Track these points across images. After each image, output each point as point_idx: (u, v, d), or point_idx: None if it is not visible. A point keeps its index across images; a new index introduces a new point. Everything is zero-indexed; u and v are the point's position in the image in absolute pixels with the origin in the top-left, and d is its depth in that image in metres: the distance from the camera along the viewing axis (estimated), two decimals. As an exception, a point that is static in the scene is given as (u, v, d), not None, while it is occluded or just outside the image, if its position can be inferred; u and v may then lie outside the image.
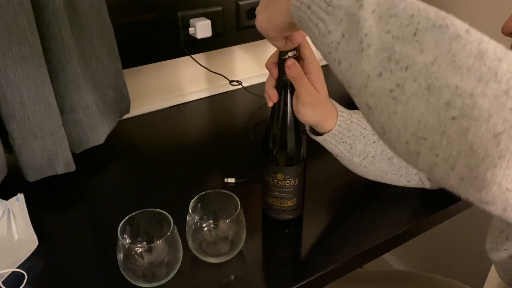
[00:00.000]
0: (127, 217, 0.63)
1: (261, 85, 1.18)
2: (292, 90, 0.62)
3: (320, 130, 0.68)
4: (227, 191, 0.66)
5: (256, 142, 0.96)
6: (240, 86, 1.15)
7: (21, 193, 0.73)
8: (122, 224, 0.62)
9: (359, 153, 0.70)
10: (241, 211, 0.64)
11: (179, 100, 1.11)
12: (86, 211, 0.79)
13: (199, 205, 0.67)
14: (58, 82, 0.78)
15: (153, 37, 0.96)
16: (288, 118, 0.64)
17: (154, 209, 0.64)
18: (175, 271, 0.63)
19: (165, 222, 0.63)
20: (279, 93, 0.63)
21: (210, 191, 0.67)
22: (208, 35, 0.98)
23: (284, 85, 0.62)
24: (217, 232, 0.66)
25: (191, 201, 0.65)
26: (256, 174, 0.85)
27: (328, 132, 0.67)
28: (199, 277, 0.66)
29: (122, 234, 0.61)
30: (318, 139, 0.69)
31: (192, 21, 0.96)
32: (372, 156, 0.71)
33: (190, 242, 0.66)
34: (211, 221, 0.68)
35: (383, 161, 0.72)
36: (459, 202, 0.79)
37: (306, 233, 0.74)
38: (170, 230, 0.60)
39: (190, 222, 0.65)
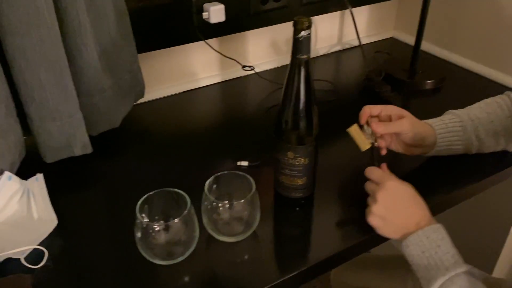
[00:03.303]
0: (145, 196, 0.64)
1: (274, 70, 1.20)
2: (307, 68, 0.64)
3: (426, 148, 0.80)
4: (241, 172, 0.68)
5: (268, 127, 0.96)
6: (252, 72, 1.15)
7: (40, 173, 0.75)
8: (141, 203, 0.63)
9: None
10: (256, 192, 0.65)
11: (191, 86, 1.12)
12: (103, 192, 0.81)
13: (214, 185, 0.68)
14: (75, 65, 0.79)
15: (166, 21, 0.97)
16: (301, 98, 0.65)
17: (171, 189, 0.65)
18: (191, 250, 0.65)
19: (182, 201, 0.64)
20: (292, 72, 0.64)
21: (225, 172, 0.68)
22: (222, 20, 0.98)
23: (298, 64, 0.63)
24: (231, 212, 0.67)
25: (207, 182, 0.67)
26: (269, 156, 0.86)
27: (436, 145, 0.79)
28: (214, 256, 0.67)
29: (140, 213, 0.62)
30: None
31: (206, 5, 0.97)
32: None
33: (205, 221, 0.67)
34: (226, 201, 0.69)
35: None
36: (466, 187, 0.81)
37: (317, 213, 0.75)
38: (187, 209, 0.62)
39: (205, 202, 0.66)
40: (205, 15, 0.97)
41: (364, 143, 0.74)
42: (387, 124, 0.75)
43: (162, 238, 0.63)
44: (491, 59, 1.13)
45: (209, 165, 0.86)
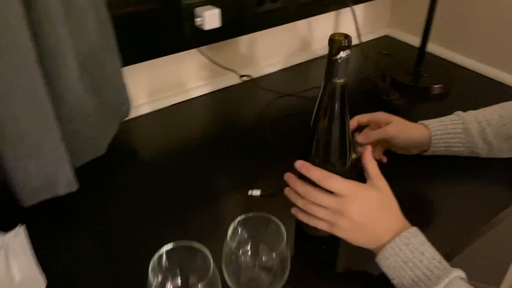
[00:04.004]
0: (157, 255, 0.53)
1: (269, 77, 1.09)
2: (342, 96, 0.54)
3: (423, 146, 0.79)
4: (270, 216, 0.57)
5: (275, 144, 0.86)
6: (248, 79, 1.04)
7: (20, 223, 0.62)
8: (152, 265, 0.52)
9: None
10: (287, 244, 0.55)
11: (181, 98, 1.00)
12: (93, 233, 0.69)
13: (237, 231, 0.58)
14: (53, 89, 0.66)
15: (153, 29, 0.84)
16: (335, 130, 0.56)
17: (187, 243, 0.54)
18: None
19: (199, 256, 0.54)
20: (326, 98, 0.55)
21: (250, 215, 0.58)
22: (217, 26, 0.87)
23: (333, 89, 0.54)
24: (258, 263, 0.57)
25: (230, 228, 0.56)
26: (282, 184, 0.76)
27: (431, 145, 0.78)
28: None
29: (153, 276, 0.51)
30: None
31: (198, 10, 0.85)
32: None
33: (226, 275, 0.57)
34: (248, 248, 0.59)
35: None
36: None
37: (343, 254, 0.66)
38: (211, 270, 0.51)
39: (228, 253, 0.56)
40: (198, 21, 0.85)
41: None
42: (368, 133, 0.77)
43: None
44: (501, 61, 1.07)
45: (212, 194, 0.76)
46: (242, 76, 1.01)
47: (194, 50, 0.93)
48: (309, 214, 0.59)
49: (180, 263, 0.55)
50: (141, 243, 0.66)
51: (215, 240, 0.57)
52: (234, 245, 0.56)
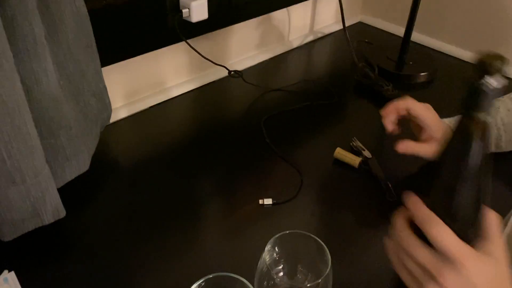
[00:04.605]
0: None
1: (253, 68, 1.02)
2: (487, 134, 0.38)
3: None
4: (310, 235, 0.51)
5: (272, 144, 0.80)
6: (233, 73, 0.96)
7: (9, 270, 0.51)
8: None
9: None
10: (331, 270, 0.49)
11: (163, 97, 0.90)
12: (87, 261, 0.59)
13: (273, 251, 0.51)
14: (31, 99, 0.55)
15: (134, 24, 0.74)
16: (474, 180, 0.39)
17: (226, 275, 0.47)
18: None
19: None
20: (463, 136, 0.38)
21: (287, 232, 0.51)
22: (205, 17, 0.78)
23: (474, 125, 0.37)
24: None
25: (266, 248, 0.49)
26: (292, 193, 0.71)
27: None
28: None
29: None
30: None
31: (184, 0, 0.75)
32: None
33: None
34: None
35: None
36: None
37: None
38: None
39: (265, 280, 0.49)
40: (185, 12, 0.76)
41: (354, 161, 0.75)
42: (410, 145, 0.69)
43: None
44: (480, 45, 1.08)
45: (218, 204, 0.68)
46: (230, 72, 0.92)
47: (173, 46, 0.83)
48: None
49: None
50: (138, 263, 0.58)
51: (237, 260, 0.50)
52: (276, 276, 0.49)
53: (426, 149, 0.69)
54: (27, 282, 0.53)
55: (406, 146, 0.69)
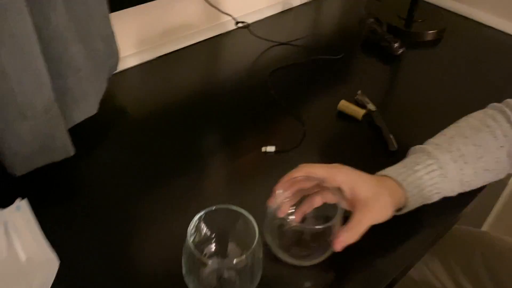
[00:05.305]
0: (196, 220, 0.47)
1: (261, 22, 1.02)
2: None
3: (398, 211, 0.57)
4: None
5: (277, 95, 0.81)
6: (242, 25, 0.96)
7: (21, 198, 0.53)
8: (191, 231, 0.47)
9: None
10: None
11: (170, 48, 0.91)
12: (96, 201, 0.61)
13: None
14: (42, 38, 0.56)
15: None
16: None
17: (231, 207, 0.49)
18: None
19: (240, 220, 0.49)
20: None
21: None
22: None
23: None
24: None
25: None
26: (293, 142, 0.72)
27: (406, 206, 0.56)
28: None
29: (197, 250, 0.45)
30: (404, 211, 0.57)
31: None
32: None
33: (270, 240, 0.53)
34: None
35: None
36: None
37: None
38: (256, 241, 0.46)
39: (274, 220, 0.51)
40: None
41: (357, 113, 0.76)
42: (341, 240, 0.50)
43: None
44: (492, 5, 1.06)
45: (221, 153, 0.70)
46: (237, 22, 0.92)
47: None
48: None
49: (219, 226, 0.50)
50: (145, 206, 0.61)
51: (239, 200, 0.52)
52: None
53: (357, 231, 0.51)
54: (37, 214, 0.56)
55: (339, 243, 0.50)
